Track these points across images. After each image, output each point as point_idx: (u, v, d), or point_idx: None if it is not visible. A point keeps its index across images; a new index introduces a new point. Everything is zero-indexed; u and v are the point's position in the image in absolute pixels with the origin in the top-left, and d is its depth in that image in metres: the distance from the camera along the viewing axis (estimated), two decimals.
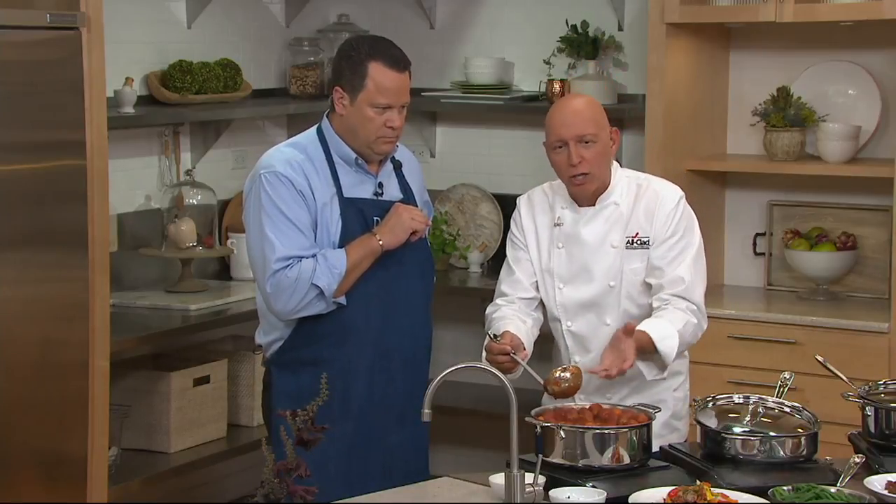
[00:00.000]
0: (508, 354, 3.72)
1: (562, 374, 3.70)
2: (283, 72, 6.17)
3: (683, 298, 3.84)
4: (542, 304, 4.01)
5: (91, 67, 4.25)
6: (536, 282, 3.99)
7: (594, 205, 3.93)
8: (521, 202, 4.06)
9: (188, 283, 5.35)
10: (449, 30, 6.19)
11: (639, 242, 3.90)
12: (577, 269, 3.93)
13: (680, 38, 5.40)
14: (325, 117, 3.95)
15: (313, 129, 3.97)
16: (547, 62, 5.90)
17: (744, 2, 5.28)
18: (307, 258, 3.78)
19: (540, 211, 4.00)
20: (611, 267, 3.90)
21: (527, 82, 6.00)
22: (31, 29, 4.07)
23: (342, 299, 3.84)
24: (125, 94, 5.15)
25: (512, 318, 3.92)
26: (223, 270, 5.74)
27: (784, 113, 5.42)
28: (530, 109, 5.88)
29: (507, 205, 5.98)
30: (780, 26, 5.30)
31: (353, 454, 3.89)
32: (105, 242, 4.38)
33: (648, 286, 3.91)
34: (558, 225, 3.96)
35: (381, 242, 3.83)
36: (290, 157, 3.86)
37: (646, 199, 3.92)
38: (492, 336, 3.80)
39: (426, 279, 4.05)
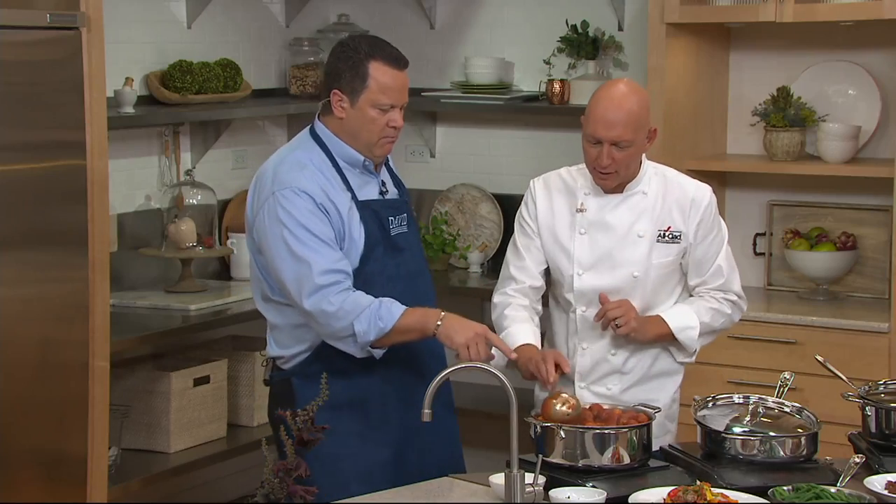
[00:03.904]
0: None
1: (561, 408, 3.52)
2: (283, 72, 6.17)
3: (722, 291, 3.91)
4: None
5: (91, 67, 4.25)
6: (544, 270, 3.95)
7: (621, 192, 3.89)
8: (537, 186, 3.97)
9: (188, 283, 5.34)
10: (449, 30, 6.19)
11: (671, 236, 3.88)
12: (600, 255, 3.87)
13: (680, 38, 5.40)
14: (317, 121, 3.81)
15: (305, 135, 3.82)
16: (547, 62, 5.90)
17: (744, 2, 5.29)
18: (352, 291, 3.62)
19: (558, 195, 3.93)
20: (637, 257, 3.86)
21: (527, 82, 6.00)
22: (31, 29, 4.07)
23: (378, 352, 3.67)
24: (125, 94, 5.15)
25: (523, 322, 3.88)
26: (223, 270, 5.74)
27: (784, 113, 5.42)
28: (530, 109, 5.89)
29: (507, 205, 5.99)
30: (780, 26, 5.30)
31: (398, 460, 3.80)
32: (105, 242, 4.38)
33: (673, 278, 3.90)
34: (581, 210, 3.90)
35: (438, 326, 3.63)
36: (303, 170, 3.69)
37: (675, 194, 3.89)
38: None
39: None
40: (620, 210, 3.88)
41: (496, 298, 3.98)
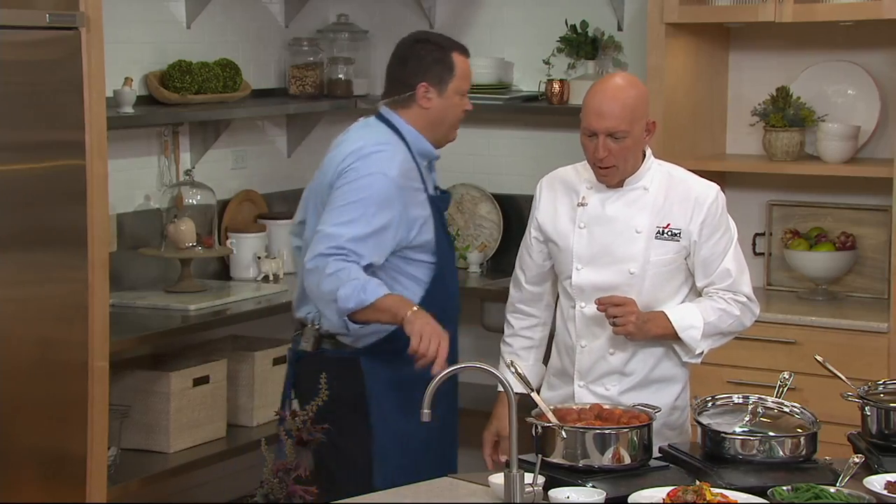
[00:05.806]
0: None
1: None
2: (282, 72, 6.17)
3: (731, 292, 3.86)
4: (549, 301, 4.00)
5: (90, 67, 4.25)
6: (547, 271, 3.97)
7: (621, 186, 3.86)
8: (542, 186, 3.99)
9: (188, 283, 5.34)
10: (449, 30, 6.17)
11: (669, 234, 3.83)
12: (598, 250, 3.85)
13: (679, 38, 5.40)
14: (395, 115, 4.02)
15: (384, 129, 4.00)
16: (547, 62, 5.90)
17: (744, 2, 5.29)
18: (355, 265, 3.80)
19: (562, 190, 3.94)
20: (633, 253, 3.83)
21: (526, 82, 6.00)
22: (31, 29, 4.07)
23: (354, 326, 3.85)
24: (124, 94, 5.15)
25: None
26: (223, 270, 5.74)
27: (783, 113, 5.42)
28: (530, 109, 5.89)
29: (506, 205, 5.99)
30: (779, 26, 5.30)
31: (431, 448, 4.12)
32: (105, 242, 4.38)
33: (676, 278, 3.88)
34: (582, 205, 3.88)
35: (407, 315, 3.73)
36: (393, 160, 3.91)
37: (679, 192, 3.86)
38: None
39: None
40: (619, 204, 3.86)
41: (505, 326, 4.11)
